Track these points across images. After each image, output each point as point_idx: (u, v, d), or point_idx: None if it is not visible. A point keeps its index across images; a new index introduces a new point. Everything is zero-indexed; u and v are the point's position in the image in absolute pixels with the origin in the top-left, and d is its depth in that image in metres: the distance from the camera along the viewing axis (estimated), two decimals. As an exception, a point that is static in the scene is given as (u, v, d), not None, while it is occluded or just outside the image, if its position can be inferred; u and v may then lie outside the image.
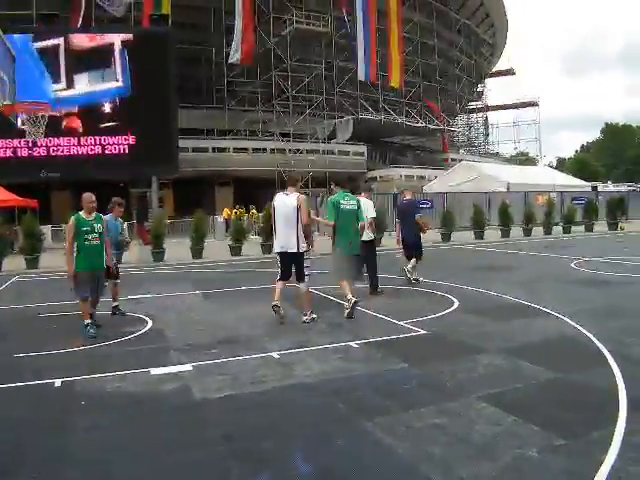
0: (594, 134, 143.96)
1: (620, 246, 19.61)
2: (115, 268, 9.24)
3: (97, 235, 7.97)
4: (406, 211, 12.71)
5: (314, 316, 8.48)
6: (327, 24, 44.09)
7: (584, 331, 7.23)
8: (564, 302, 9.28)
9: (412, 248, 12.34)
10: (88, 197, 8.18)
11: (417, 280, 12.07)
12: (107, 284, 8.88)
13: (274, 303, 8.34)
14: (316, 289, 11.01)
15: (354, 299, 8.58)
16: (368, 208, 10.56)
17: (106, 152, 34.09)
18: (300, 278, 8.49)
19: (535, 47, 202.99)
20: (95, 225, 7.98)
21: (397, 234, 12.78)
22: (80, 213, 8.05)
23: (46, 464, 4.04)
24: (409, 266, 12.13)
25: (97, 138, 33.98)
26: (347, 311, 8.59)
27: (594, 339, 6.81)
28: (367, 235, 10.43)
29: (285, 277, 8.60)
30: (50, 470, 3.95)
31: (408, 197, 13.21)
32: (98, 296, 8.37)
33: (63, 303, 10.63)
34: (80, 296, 7.94)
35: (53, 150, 33.39)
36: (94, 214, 8.12)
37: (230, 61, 43.29)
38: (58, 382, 5.80)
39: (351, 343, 6.99)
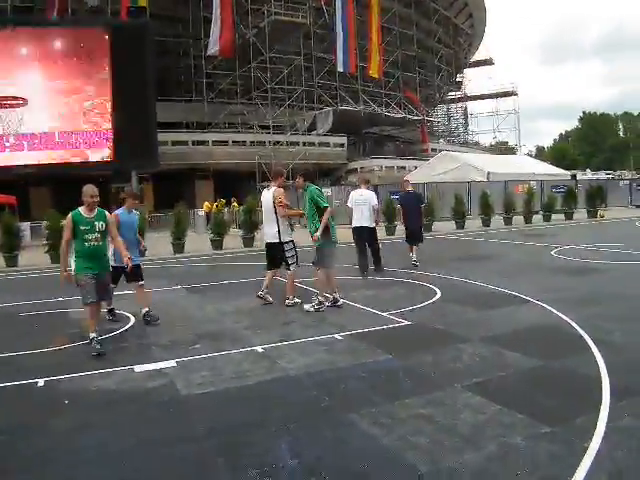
0: (573, 123, 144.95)
1: (600, 233, 19.78)
2: (135, 268, 7.90)
3: (99, 235, 6.88)
4: (409, 201, 13.67)
5: (297, 300, 8.98)
6: (306, 15, 43.89)
7: (566, 318, 7.29)
8: (545, 290, 9.34)
9: (414, 236, 13.47)
10: (90, 190, 6.99)
11: (416, 263, 13.09)
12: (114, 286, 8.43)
13: (259, 292, 9.14)
14: (296, 282, 10.99)
15: (340, 300, 8.84)
16: (372, 198, 12.24)
17: (84, 147, 33.77)
18: (286, 267, 9.06)
19: (514, 37, 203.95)
20: (96, 223, 6.87)
21: (404, 222, 13.79)
22: (79, 209, 6.93)
23: (30, 465, 4.00)
24: (414, 255, 13.28)
25: (75, 133, 33.64)
26: (326, 305, 8.71)
27: (576, 326, 6.87)
28: (371, 223, 12.11)
29: (270, 267, 9.32)
30: (34, 471, 3.91)
31: (409, 188, 14.16)
32: (109, 299, 7.94)
33: (44, 301, 10.56)
34: (85, 300, 6.87)
35: (30, 146, 33.01)
36: (96, 210, 6.98)
37: (208, 53, 43.06)
38: (41, 382, 5.74)
39: (335, 335, 6.99)
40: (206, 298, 10.26)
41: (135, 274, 8.22)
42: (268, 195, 8.99)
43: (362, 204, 12.16)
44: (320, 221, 8.62)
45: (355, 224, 12.29)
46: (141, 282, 8.53)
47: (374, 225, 12.29)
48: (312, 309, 8.47)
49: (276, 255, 9.08)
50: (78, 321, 8.06)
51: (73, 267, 6.98)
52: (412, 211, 13.48)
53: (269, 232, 9.05)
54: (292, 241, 9.03)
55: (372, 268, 12.45)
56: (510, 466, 3.63)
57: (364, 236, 12.24)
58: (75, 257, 6.96)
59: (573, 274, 11.19)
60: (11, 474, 3.89)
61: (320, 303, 8.51)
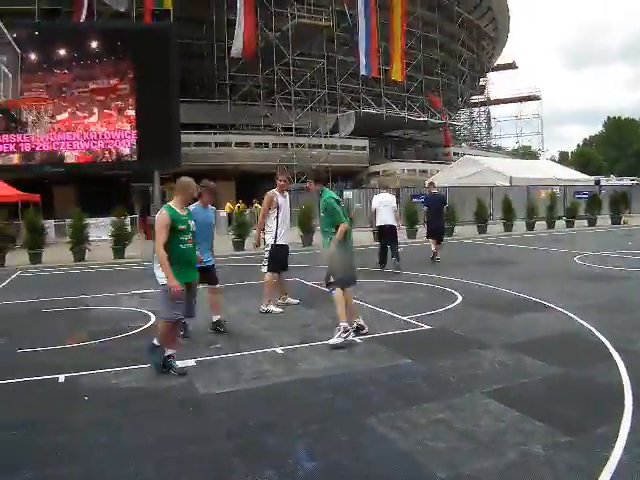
0: (597, 128, 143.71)
1: (624, 240, 19.55)
2: (209, 269, 7.69)
3: (191, 236, 5.96)
4: (435, 202, 15.17)
5: (270, 308, 8.90)
6: (329, 18, 43.94)
7: (588, 326, 7.21)
8: (568, 297, 9.26)
9: (437, 232, 15.02)
10: (189, 184, 6.08)
11: (438, 259, 14.64)
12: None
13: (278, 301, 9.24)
14: (315, 283, 11.06)
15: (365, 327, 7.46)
16: (393, 200, 13.73)
17: (109, 147, 34.14)
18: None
19: (538, 40, 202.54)
20: (190, 222, 5.98)
21: (425, 220, 15.53)
22: (171, 205, 5.93)
23: (49, 460, 4.04)
24: (438, 253, 14.78)
25: (100, 133, 34.01)
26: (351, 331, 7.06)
27: (598, 334, 6.79)
28: (393, 222, 13.21)
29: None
30: (53, 467, 3.94)
31: (434, 190, 15.87)
32: (192, 314, 6.35)
33: (67, 298, 10.67)
34: (171, 316, 5.80)
35: (56, 145, 33.45)
36: (187, 208, 6.15)
37: (232, 55, 43.25)
38: (62, 377, 5.80)
39: (355, 338, 6.97)
40: (227, 298, 10.23)
41: (209, 277, 7.76)
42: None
43: (385, 206, 13.31)
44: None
45: (379, 223, 13.43)
46: (217, 285, 8.04)
47: (396, 224, 13.46)
48: (339, 340, 6.73)
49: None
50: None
51: (164, 278, 5.71)
52: (436, 211, 15.03)
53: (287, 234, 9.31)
54: (272, 245, 9.06)
55: (391, 270, 12.93)
56: (529, 474, 3.59)
57: (386, 234, 13.35)
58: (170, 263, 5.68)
59: (596, 281, 11.06)
60: (29, 467, 3.92)
61: (345, 330, 6.83)
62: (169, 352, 5.88)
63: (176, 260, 5.69)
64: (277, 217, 9.01)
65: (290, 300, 9.37)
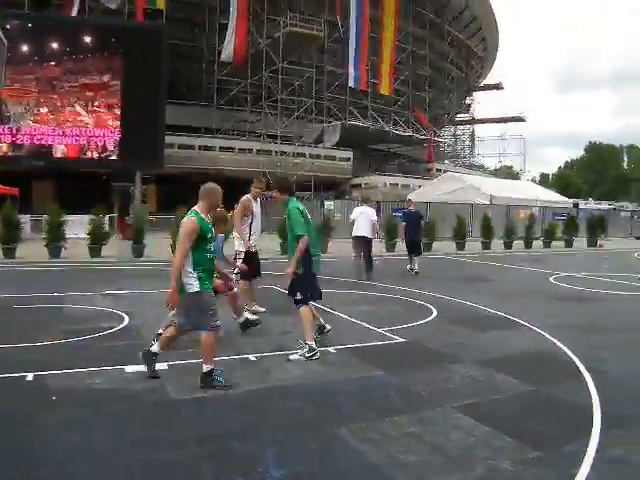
0: (579, 152, 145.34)
1: (599, 262, 19.77)
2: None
3: (213, 243, 5.69)
4: (413, 218, 15.99)
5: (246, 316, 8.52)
6: (321, 28, 44.14)
7: (560, 345, 7.27)
8: (541, 316, 9.33)
9: (414, 246, 15.64)
10: (214, 189, 5.76)
11: (416, 272, 15.14)
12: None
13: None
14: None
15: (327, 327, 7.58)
16: (373, 214, 14.01)
17: (91, 143, 33.87)
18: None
19: (525, 63, 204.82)
20: (213, 229, 5.75)
21: (403, 235, 16.23)
22: (198, 211, 5.54)
23: (13, 459, 3.98)
24: (415, 265, 15.30)
25: (83, 129, 33.75)
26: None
27: (570, 353, 6.85)
28: (368, 234, 13.61)
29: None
30: (17, 467, 3.88)
31: (412, 207, 16.95)
32: None
33: (39, 295, 10.54)
34: (211, 324, 5.55)
35: (37, 139, 33.11)
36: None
37: (222, 59, 43.24)
38: (30, 376, 5.70)
39: (329, 348, 6.96)
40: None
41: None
42: None
43: (363, 218, 13.69)
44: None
45: (355, 233, 13.80)
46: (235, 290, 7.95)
47: (371, 237, 13.84)
48: (301, 358, 6.50)
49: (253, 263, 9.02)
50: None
51: (196, 284, 5.40)
52: (413, 226, 15.80)
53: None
54: (240, 252, 8.97)
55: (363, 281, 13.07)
56: (496, 490, 3.61)
57: (361, 244, 13.79)
58: (197, 271, 5.41)
59: (570, 301, 11.19)
60: (-5, 467, 3.85)
61: (312, 350, 6.55)
62: (208, 367, 5.49)
63: (205, 268, 5.45)
64: (250, 224, 8.95)
65: (257, 308, 9.12)
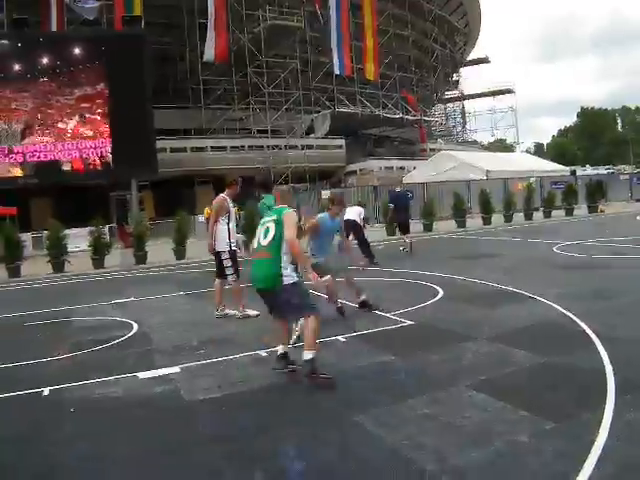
0: (571, 119, 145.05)
1: (601, 228, 19.77)
2: None
3: None
4: (400, 199, 17.44)
5: (227, 312, 8.83)
6: (301, 19, 43.94)
7: (569, 314, 7.28)
8: (548, 286, 9.32)
9: (404, 226, 17.05)
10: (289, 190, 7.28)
11: (407, 250, 16.20)
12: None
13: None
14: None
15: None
16: (361, 211, 14.77)
17: (83, 156, 33.83)
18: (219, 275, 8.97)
19: (509, 34, 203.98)
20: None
21: (391, 216, 18.57)
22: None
23: (37, 473, 4.00)
24: (408, 242, 16.38)
25: (74, 142, 33.70)
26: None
27: (579, 322, 6.86)
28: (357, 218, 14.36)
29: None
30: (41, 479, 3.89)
31: (398, 189, 19.23)
32: None
33: (48, 311, 10.56)
34: (316, 308, 5.63)
35: (29, 156, 33.08)
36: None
37: (204, 60, 43.03)
38: (46, 390, 5.73)
39: (339, 337, 6.98)
40: (209, 303, 10.23)
41: None
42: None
43: (352, 210, 14.41)
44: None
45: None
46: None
47: (358, 220, 14.46)
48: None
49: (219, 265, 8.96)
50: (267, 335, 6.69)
51: (293, 275, 5.50)
52: (401, 208, 17.09)
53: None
54: (229, 251, 8.87)
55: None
56: (517, 463, 3.63)
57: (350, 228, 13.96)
58: (290, 264, 5.49)
59: (575, 270, 11.19)
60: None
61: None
62: (310, 356, 5.39)
63: (293, 260, 5.55)
64: (228, 222, 8.89)
65: (250, 312, 8.76)
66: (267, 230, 5.59)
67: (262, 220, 5.86)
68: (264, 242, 5.55)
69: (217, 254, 8.88)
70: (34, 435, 4.71)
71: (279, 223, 5.53)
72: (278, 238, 5.46)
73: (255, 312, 8.51)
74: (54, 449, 4.39)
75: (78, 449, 4.37)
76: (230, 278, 8.82)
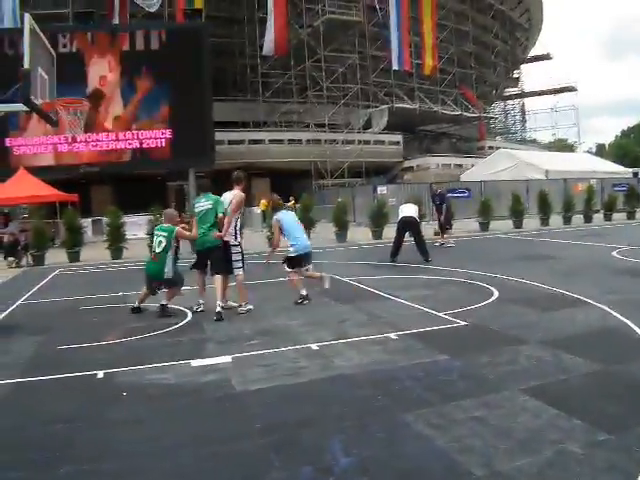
0: (634, 119, 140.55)
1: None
2: None
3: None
4: (442, 199, 18.48)
5: (250, 307, 8.95)
6: (359, 13, 43.82)
7: (627, 322, 7.08)
8: (606, 292, 9.10)
9: (442, 225, 18.21)
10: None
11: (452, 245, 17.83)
12: None
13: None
14: (350, 279, 11.19)
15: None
16: (416, 209, 14.82)
17: (144, 146, 34.54)
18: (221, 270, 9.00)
19: (572, 30, 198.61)
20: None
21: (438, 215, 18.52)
22: None
23: (87, 456, 4.11)
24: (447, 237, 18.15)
25: (135, 133, 34.43)
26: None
27: (637, 330, 6.68)
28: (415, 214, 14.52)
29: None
30: (92, 462, 4.01)
31: (440, 190, 19.28)
32: None
33: (105, 296, 10.85)
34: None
35: (92, 145, 33.96)
36: None
37: (264, 53, 43.39)
38: (100, 374, 5.90)
39: (390, 334, 6.97)
40: (262, 295, 10.35)
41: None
42: (229, 197, 8.98)
43: (408, 206, 14.83)
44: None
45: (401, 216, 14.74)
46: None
47: (416, 216, 14.57)
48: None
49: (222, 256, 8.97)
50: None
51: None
52: (440, 207, 18.12)
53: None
54: (239, 245, 9.04)
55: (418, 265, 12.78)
56: (567, 473, 3.55)
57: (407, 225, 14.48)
58: None
59: (635, 276, 10.85)
60: (69, 462, 4.00)
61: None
62: None
63: None
64: (239, 218, 9.02)
65: (231, 303, 9.21)
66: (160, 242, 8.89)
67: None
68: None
69: (226, 247, 8.89)
70: (87, 416, 4.86)
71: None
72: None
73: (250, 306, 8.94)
74: (106, 432, 4.51)
75: (127, 432, 4.49)
76: (237, 272, 8.99)
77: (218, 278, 8.80)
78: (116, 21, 37.52)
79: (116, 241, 18.52)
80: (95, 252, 19.27)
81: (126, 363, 6.22)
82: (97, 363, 6.26)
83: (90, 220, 26.22)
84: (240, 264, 9.01)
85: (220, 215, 8.77)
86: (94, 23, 35.17)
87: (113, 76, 34.30)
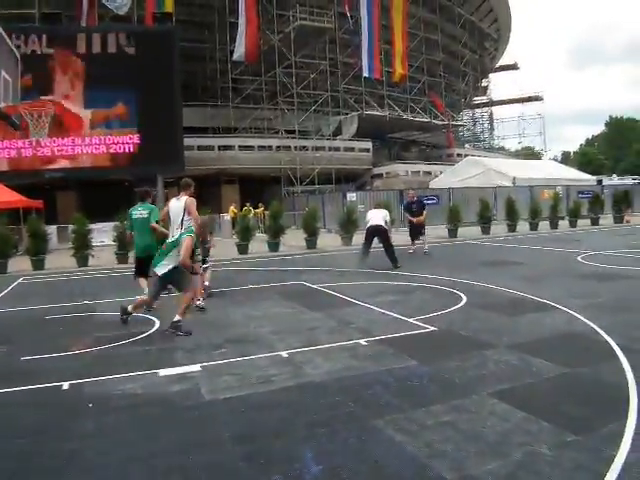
0: (599, 128, 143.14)
1: (627, 239, 19.51)
2: None
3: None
4: (414, 205, 17.86)
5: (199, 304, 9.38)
6: (331, 20, 44.00)
7: (593, 325, 7.20)
8: (572, 296, 9.24)
9: (417, 231, 17.63)
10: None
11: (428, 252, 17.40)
12: None
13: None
14: (321, 286, 11.20)
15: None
16: (386, 215, 14.76)
17: (111, 151, 34.16)
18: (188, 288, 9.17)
19: (539, 41, 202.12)
20: None
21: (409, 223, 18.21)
22: None
23: (53, 468, 4.03)
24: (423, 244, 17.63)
25: (102, 138, 34.04)
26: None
27: (603, 333, 6.78)
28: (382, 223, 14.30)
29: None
30: (57, 475, 3.94)
31: (413, 197, 18.59)
32: None
33: (70, 304, 10.68)
34: None
35: (57, 150, 33.46)
36: None
37: (234, 58, 43.31)
38: (66, 385, 5.78)
39: (360, 341, 6.98)
40: (231, 302, 10.30)
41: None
42: (178, 204, 8.71)
43: (376, 212, 14.87)
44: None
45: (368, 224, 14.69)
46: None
47: (383, 225, 14.38)
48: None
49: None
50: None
51: None
52: (415, 213, 17.61)
53: None
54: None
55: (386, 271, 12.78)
56: (536, 475, 3.59)
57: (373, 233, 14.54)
58: None
59: (599, 280, 11.04)
60: (34, 474, 3.92)
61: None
62: None
63: None
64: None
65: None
66: None
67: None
68: None
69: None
70: (52, 428, 4.75)
71: None
72: None
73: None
74: (71, 444, 4.41)
75: (94, 444, 4.39)
76: (204, 271, 9.72)
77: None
78: (84, 23, 37.09)
79: (82, 248, 18.22)
80: (61, 260, 18.95)
81: (92, 374, 6.10)
82: (62, 374, 6.12)
83: (55, 227, 25.77)
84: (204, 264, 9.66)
85: (153, 224, 9.68)
86: (61, 24, 34.71)
87: (80, 79, 33.85)
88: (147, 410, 5.07)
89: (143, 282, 9.84)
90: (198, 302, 9.42)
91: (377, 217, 14.50)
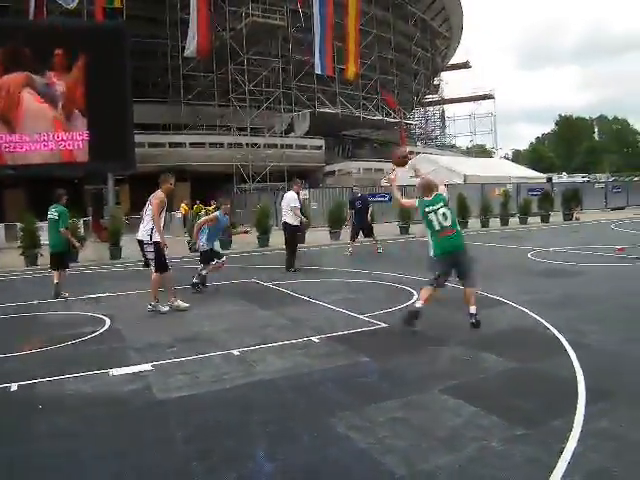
0: (549, 127, 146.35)
1: (576, 236, 19.99)
2: None
3: None
4: (360, 202, 16.96)
5: (161, 308, 9.07)
6: (283, 17, 43.85)
7: (542, 320, 7.35)
8: (522, 292, 9.42)
9: (367, 229, 16.74)
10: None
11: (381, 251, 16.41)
12: None
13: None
14: (273, 284, 11.16)
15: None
16: (292, 200, 13.34)
17: (60, 148, 33.37)
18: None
19: (491, 41, 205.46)
20: None
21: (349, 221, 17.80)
22: None
23: (2, 473, 3.92)
24: (378, 246, 16.49)
25: (50, 134, 33.19)
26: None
27: (552, 328, 6.92)
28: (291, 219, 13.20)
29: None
30: (5, 478, 3.83)
31: (359, 191, 18.39)
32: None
33: (19, 304, 10.40)
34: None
35: (5, 147, 32.52)
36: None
37: (185, 55, 42.79)
38: (14, 386, 5.62)
39: (312, 338, 6.97)
40: (183, 301, 10.15)
41: None
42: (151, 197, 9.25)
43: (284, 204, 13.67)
44: None
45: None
46: None
47: (293, 223, 13.37)
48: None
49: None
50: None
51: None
52: (362, 210, 16.72)
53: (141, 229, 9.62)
54: (154, 244, 9.27)
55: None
56: (488, 468, 3.64)
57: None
58: None
59: (549, 276, 11.28)
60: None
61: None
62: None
63: None
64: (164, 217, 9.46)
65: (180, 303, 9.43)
66: None
67: None
68: None
69: (157, 245, 9.28)
70: (1, 432, 4.63)
71: None
72: None
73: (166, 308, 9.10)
74: (20, 446, 4.30)
75: (45, 447, 4.29)
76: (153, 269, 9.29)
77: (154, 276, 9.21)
78: (32, 17, 36.13)
79: (31, 247, 17.78)
80: (8, 258, 18.46)
81: (42, 374, 5.95)
82: (10, 375, 5.95)
83: (3, 225, 25.09)
84: (155, 262, 9.20)
85: (62, 229, 10.63)
86: (9, 18, 33.75)
87: (27, 74, 32.93)
88: (98, 410, 4.97)
89: (57, 276, 10.83)
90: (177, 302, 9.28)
91: (285, 208, 13.56)
